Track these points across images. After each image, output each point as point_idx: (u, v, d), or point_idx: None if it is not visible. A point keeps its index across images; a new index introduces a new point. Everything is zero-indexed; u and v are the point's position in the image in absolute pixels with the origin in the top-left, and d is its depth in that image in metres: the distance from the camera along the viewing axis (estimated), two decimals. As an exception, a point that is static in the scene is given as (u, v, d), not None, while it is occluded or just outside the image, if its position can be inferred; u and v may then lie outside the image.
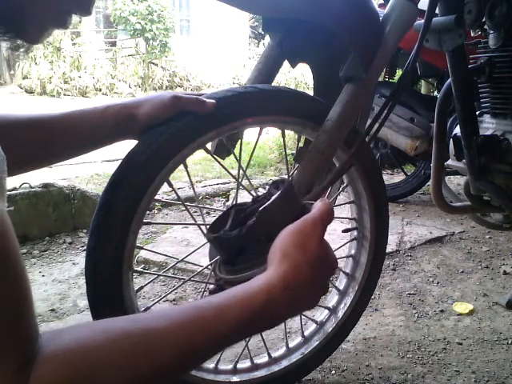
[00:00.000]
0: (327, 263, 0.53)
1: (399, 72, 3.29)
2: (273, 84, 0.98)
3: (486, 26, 1.20)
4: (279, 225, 0.55)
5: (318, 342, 1.07)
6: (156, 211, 2.34)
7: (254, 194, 0.94)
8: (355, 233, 1.10)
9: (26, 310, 0.40)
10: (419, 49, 0.88)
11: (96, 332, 0.43)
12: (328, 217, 0.54)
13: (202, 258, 1.03)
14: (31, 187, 1.93)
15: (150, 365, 0.43)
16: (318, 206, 0.55)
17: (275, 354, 1.05)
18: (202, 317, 0.46)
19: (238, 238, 0.56)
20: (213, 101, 0.79)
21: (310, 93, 0.98)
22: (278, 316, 0.50)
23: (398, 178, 3.05)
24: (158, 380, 0.44)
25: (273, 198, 0.57)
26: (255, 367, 1.02)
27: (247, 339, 1.02)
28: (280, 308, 0.48)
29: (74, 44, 9.93)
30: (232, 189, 2.71)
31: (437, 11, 1.08)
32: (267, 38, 0.98)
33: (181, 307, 0.49)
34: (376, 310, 1.47)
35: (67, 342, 0.41)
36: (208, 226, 0.65)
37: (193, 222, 0.95)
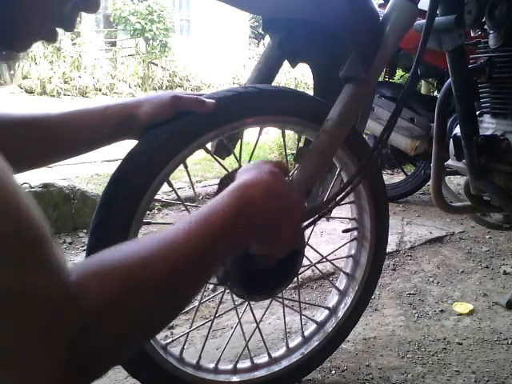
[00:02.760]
0: (284, 192, 0.56)
1: (399, 72, 3.30)
2: (273, 84, 0.98)
3: (485, 26, 1.20)
4: None
5: (318, 342, 1.07)
6: (156, 211, 2.34)
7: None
8: (355, 233, 1.10)
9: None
10: (422, 52, 0.88)
11: (123, 251, 0.45)
12: (281, 167, 0.59)
13: (202, 258, 1.03)
14: (31, 187, 1.93)
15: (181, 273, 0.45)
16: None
17: (275, 354, 1.05)
18: (196, 227, 0.48)
19: None
20: (213, 101, 0.79)
21: (310, 93, 0.98)
22: (256, 214, 0.52)
23: (398, 178, 3.05)
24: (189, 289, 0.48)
25: None
26: (255, 367, 1.02)
27: (247, 339, 1.02)
28: (254, 204, 0.52)
29: (74, 44, 9.92)
30: (232, 189, 2.71)
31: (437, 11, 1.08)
32: (267, 38, 0.98)
33: (175, 226, 0.49)
34: (376, 309, 1.47)
35: (101, 262, 0.43)
36: None
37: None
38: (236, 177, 0.57)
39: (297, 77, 11.38)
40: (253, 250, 0.59)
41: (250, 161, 0.93)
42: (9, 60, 0.52)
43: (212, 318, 0.98)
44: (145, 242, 0.46)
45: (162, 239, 0.46)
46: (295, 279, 1.02)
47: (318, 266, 1.15)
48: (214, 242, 0.48)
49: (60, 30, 0.53)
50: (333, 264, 1.19)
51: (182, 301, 0.48)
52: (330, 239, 1.98)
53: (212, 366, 0.98)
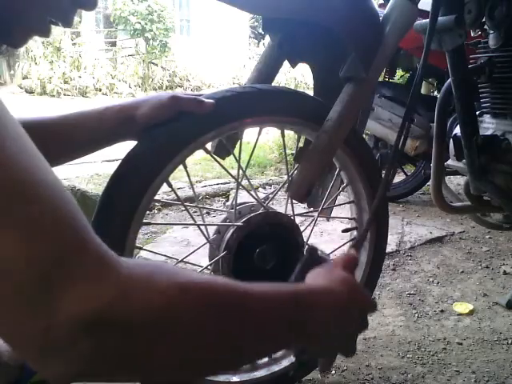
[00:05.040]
0: (353, 289, 0.55)
1: (399, 72, 3.29)
2: (273, 84, 0.98)
3: (485, 26, 1.20)
4: None
5: (317, 342, 1.07)
6: (156, 211, 2.34)
7: (254, 195, 0.94)
8: (355, 233, 1.10)
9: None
10: (427, 54, 0.87)
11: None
12: (350, 263, 0.60)
13: (202, 258, 1.03)
14: (31, 187, 1.93)
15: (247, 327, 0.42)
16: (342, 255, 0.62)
17: (275, 354, 1.05)
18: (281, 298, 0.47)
19: None
20: (211, 101, 0.79)
21: (310, 93, 0.98)
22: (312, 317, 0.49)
23: (398, 178, 3.04)
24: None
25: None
26: (255, 367, 1.01)
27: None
28: (310, 309, 0.49)
29: (74, 44, 9.92)
30: (232, 189, 2.71)
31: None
32: (267, 38, 0.98)
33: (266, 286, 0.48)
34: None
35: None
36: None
37: (193, 222, 0.95)
38: (311, 278, 0.57)
39: (297, 77, 11.38)
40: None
41: (249, 161, 0.93)
42: (5, 55, 0.52)
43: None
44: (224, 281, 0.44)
45: (247, 290, 0.43)
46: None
47: (318, 266, 1.15)
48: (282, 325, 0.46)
49: (59, 28, 0.53)
50: (333, 264, 1.19)
51: (233, 360, 0.44)
52: (329, 239, 1.98)
53: (212, 366, 0.98)
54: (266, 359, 1.03)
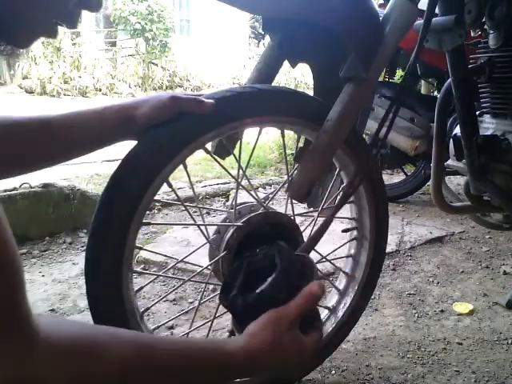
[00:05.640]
0: (296, 343, 0.62)
1: (399, 72, 3.29)
2: (273, 84, 0.98)
3: (486, 26, 1.20)
4: (288, 288, 0.64)
5: (317, 342, 1.07)
6: (156, 211, 2.34)
7: (254, 195, 0.94)
8: (355, 233, 1.10)
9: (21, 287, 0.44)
10: (419, 50, 0.88)
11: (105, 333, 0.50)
12: (312, 302, 0.64)
13: (202, 258, 1.03)
14: (31, 187, 1.93)
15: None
16: (305, 291, 0.64)
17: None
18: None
19: (254, 301, 0.63)
20: (211, 101, 0.78)
21: (310, 93, 0.98)
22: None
23: (398, 178, 3.05)
24: None
25: (270, 280, 0.64)
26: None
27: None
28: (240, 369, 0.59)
29: (74, 44, 9.92)
30: (232, 189, 2.71)
31: (437, 11, 1.08)
32: (267, 38, 0.98)
33: (180, 343, 0.58)
34: (376, 310, 1.46)
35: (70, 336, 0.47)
36: (221, 288, 0.70)
37: (193, 222, 0.95)
38: (256, 324, 0.62)
39: (297, 77, 11.39)
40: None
41: (249, 161, 0.93)
42: (12, 56, 0.52)
43: (212, 318, 0.98)
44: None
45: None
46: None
47: (318, 265, 1.15)
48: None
49: (61, 29, 0.53)
50: (333, 264, 1.19)
51: None
52: (329, 239, 1.98)
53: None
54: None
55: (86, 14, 10.63)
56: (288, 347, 0.60)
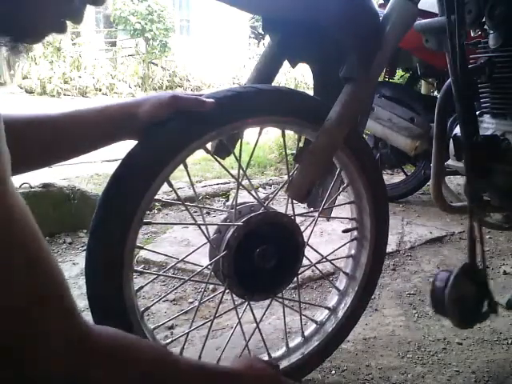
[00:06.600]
0: None
1: (399, 72, 3.30)
2: (273, 84, 0.98)
3: (485, 26, 1.20)
4: None
5: (317, 342, 1.07)
6: (156, 211, 2.34)
7: (254, 195, 0.94)
8: (355, 233, 1.10)
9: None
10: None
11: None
12: None
13: (202, 258, 1.03)
14: (31, 187, 1.93)
15: None
16: None
17: (275, 354, 1.05)
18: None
19: None
20: (212, 100, 0.79)
21: (310, 93, 0.98)
22: None
23: (398, 178, 3.04)
24: None
25: None
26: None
27: (247, 339, 1.02)
28: None
29: (74, 44, 9.92)
30: (232, 189, 2.71)
31: (437, 11, 1.08)
32: (267, 38, 0.98)
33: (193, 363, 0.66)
34: (376, 310, 1.46)
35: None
36: None
37: (193, 222, 0.95)
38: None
39: (297, 77, 11.37)
40: None
41: (249, 161, 0.93)
42: (21, 54, 0.53)
43: (212, 318, 0.98)
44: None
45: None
46: (295, 279, 1.03)
47: (318, 266, 1.15)
48: None
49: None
50: (333, 264, 1.19)
51: None
52: (329, 239, 1.98)
53: (212, 366, 0.98)
54: (266, 359, 1.03)
55: (86, 14, 10.62)
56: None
